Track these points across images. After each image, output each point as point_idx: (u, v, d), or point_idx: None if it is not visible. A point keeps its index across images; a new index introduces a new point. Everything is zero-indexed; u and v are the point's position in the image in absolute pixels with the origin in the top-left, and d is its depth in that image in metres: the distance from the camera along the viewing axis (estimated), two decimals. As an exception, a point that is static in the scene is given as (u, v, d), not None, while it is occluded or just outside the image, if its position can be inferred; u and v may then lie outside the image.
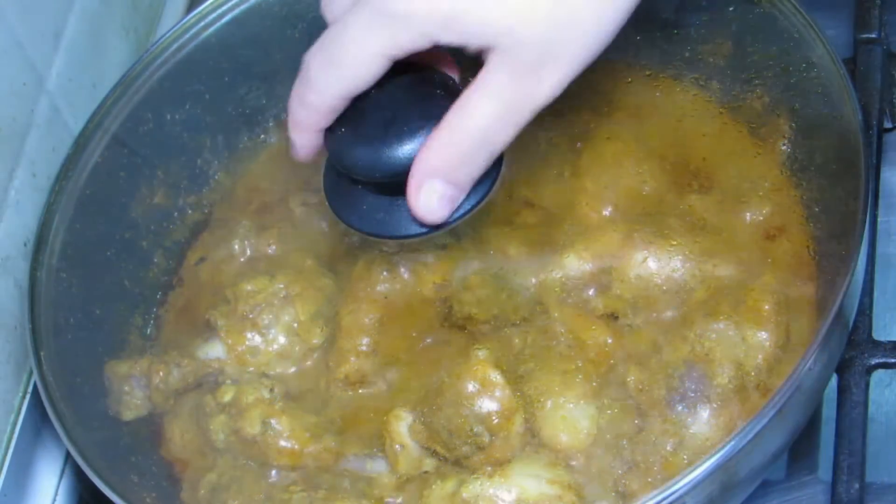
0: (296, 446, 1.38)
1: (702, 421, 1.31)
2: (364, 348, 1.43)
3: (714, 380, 1.31)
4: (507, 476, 1.29)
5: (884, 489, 1.37)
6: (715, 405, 1.31)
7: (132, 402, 1.43)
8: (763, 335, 1.31)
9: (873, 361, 1.39)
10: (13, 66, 1.53)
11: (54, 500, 1.55)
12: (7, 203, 1.51)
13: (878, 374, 1.40)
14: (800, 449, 1.41)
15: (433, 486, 1.33)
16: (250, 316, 1.45)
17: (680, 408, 1.32)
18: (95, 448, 1.36)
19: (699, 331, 1.32)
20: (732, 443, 1.18)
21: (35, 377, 1.36)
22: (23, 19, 1.54)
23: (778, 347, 1.32)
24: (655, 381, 1.33)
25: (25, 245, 1.54)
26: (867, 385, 1.37)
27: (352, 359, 1.43)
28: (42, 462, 1.55)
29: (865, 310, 1.41)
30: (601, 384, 1.37)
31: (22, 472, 1.51)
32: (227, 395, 1.42)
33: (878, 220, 1.49)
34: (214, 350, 1.46)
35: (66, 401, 1.37)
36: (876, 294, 1.44)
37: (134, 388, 1.43)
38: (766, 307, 1.32)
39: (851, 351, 1.38)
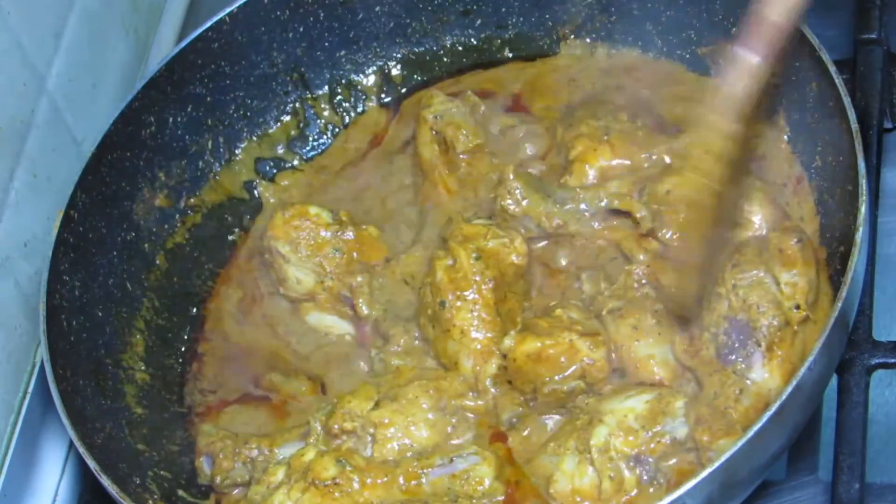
0: None
1: (758, 365, 1.31)
2: None
3: (758, 322, 1.31)
4: None
5: (884, 489, 1.37)
6: (765, 346, 1.31)
7: (202, 470, 1.46)
8: (793, 272, 1.32)
9: (873, 361, 1.38)
10: (13, 66, 1.53)
11: (55, 498, 1.55)
12: (7, 203, 1.51)
13: (878, 374, 1.39)
14: (800, 449, 1.41)
15: None
16: (343, 438, 1.40)
17: (733, 357, 1.32)
18: (98, 448, 1.36)
19: (731, 284, 1.33)
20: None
21: (49, 379, 1.36)
22: (23, 19, 1.54)
23: (811, 280, 1.32)
24: (702, 343, 1.34)
25: (26, 245, 1.54)
26: (867, 385, 1.37)
27: None
28: (42, 461, 1.55)
29: (865, 310, 1.41)
30: None
31: (23, 472, 1.51)
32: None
33: (878, 220, 1.48)
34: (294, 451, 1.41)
35: (69, 401, 1.37)
36: (876, 294, 1.44)
37: (203, 464, 1.46)
38: (792, 243, 1.33)
39: (851, 351, 1.38)
